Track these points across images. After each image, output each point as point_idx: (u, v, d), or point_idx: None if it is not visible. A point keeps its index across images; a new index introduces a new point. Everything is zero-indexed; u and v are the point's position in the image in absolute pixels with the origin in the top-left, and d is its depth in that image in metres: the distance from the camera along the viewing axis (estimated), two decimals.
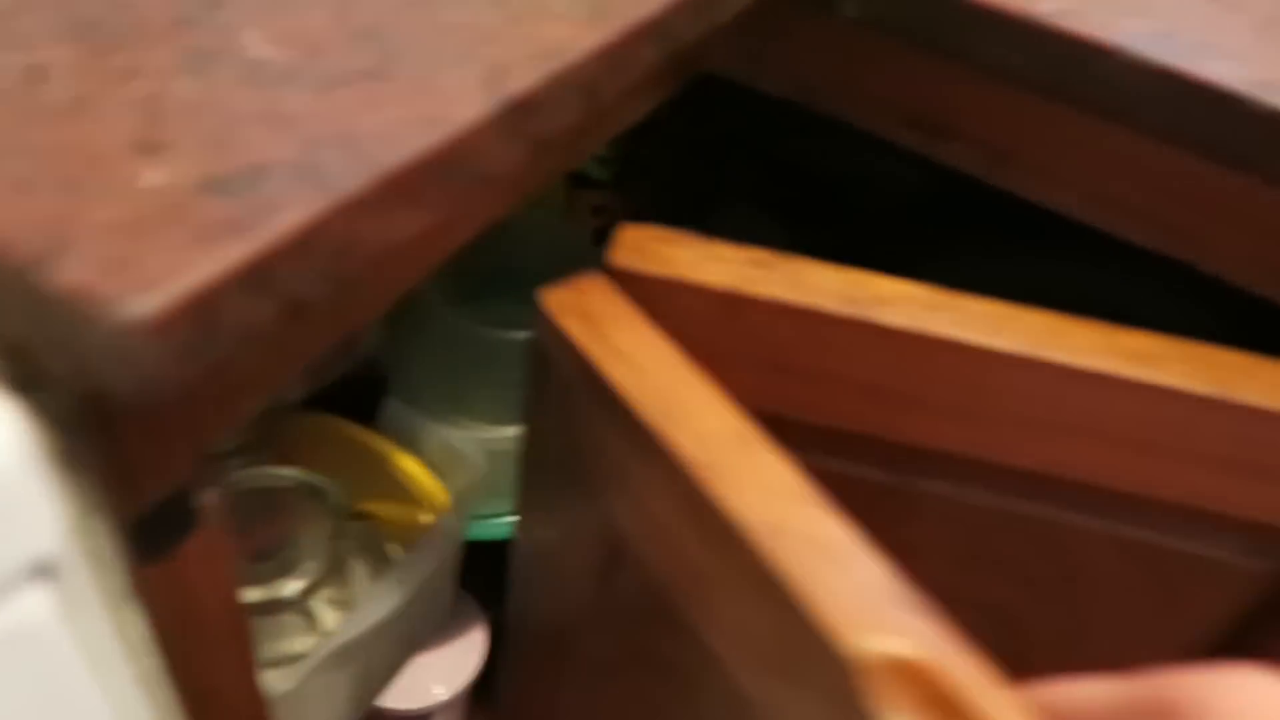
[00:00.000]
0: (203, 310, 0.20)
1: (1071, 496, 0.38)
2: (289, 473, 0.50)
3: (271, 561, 0.50)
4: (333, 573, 0.50)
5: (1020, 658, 0.44)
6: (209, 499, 0.29)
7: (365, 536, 0.56)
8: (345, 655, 0.49)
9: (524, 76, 0.26)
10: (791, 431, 0.37)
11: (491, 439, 0.56)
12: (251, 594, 0.47)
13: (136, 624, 0.30)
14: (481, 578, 0.75)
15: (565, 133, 0.29)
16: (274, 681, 0.46)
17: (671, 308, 0.34)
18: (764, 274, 0.34)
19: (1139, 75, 0.32)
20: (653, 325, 0.34)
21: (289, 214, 0.21)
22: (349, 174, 0.22)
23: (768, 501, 0.27)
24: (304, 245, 0.21)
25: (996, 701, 0.21)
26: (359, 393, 0.53)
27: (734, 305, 0.34)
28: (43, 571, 0.23)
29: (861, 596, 0.24)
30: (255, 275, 0.21)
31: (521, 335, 0.54)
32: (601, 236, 0.63)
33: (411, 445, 0.52)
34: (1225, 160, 0.32)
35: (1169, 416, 0.34)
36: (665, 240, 0.35)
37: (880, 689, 0.22)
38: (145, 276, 0.19)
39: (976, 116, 0.38)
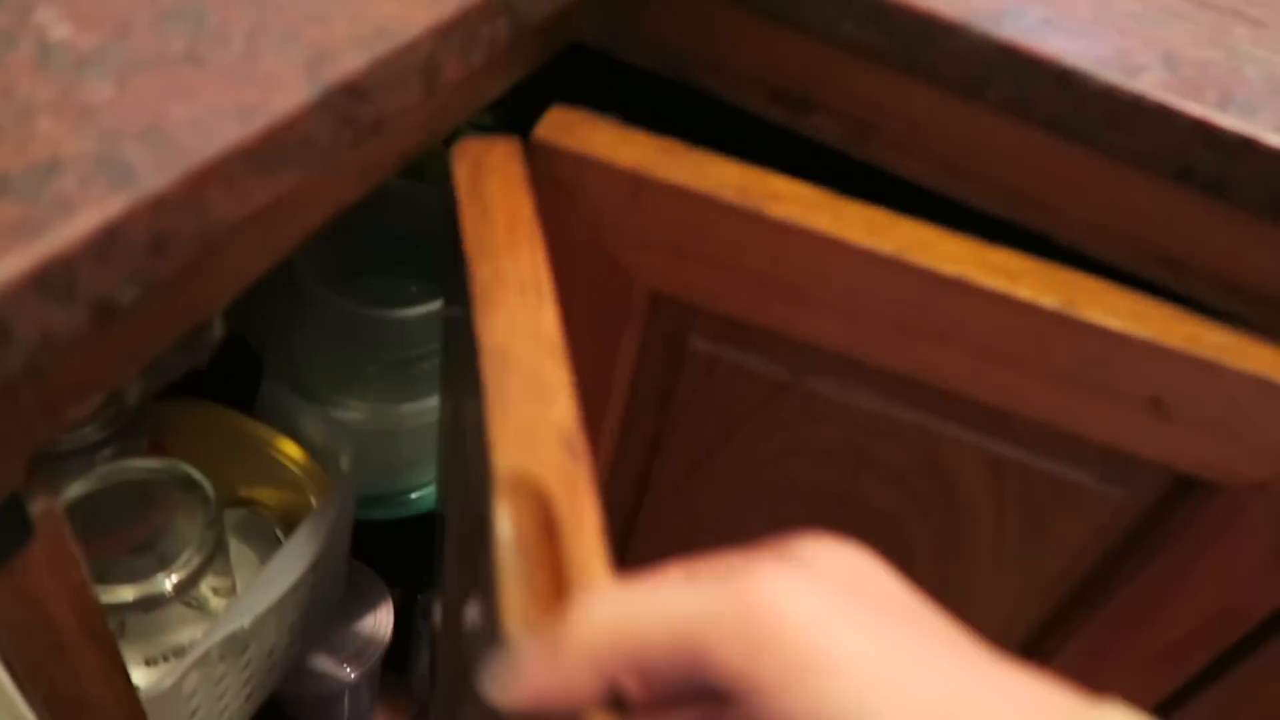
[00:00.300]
0: None
1: (945, 406, 0.40)
2: (159, 463, 0.48)
3: (148, 555, 0.48)
4: (214, 563, 0.48)
5: (908, 573, 0.46)
6: (47, 506, 0.27)
7: (251, 523, 0.54)
8: (233, 645, 0.48)
9: (352, 59, 0.25)
10: (695, 318, 0.41)
11: (378, 418, 0.55)
12: (127, 592, 0.45)
13: None
14: (388, 556, 0.74)
15: (407, 114, 0.28)
16: (156, 678, 0.45)
17: (583, 184, 0.37)
18: (670, 160, 0.36)
19: (985, 51, 0.33)
20: (525, 184, 0.35)
21: (86, 214, 0.20)
22: (155, 169, 0.21)
23: (512, 334, 0.29)
24: (105, 247, 0.20)
25: (588, 540, 0.23)
26: (236, 376, 0.51)
27: (638, 185, 0.36)
28: None
29: (536, 427, 0.26)
30: (49, 281, 0.20)
31: (403, 313, 0.52)
32: None
33: (290, 428, 0.51)
34: (1070, 134, 0.33)
35: (1021, 328, 0.36)
36: (589, 123, 0.37)
37: (505, 500, 0.24)
38: None
39: (836, 90, 0.38)
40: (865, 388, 0.41)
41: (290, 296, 0.52)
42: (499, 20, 0.30)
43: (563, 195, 0.37)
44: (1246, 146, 0.31)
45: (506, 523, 0.23)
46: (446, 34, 0.27)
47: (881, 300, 0.37)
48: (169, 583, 0.46)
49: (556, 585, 0.23)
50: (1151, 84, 0.32)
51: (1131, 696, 0.48)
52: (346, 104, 0.25)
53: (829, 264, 0.36)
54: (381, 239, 0.56)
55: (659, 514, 0.50)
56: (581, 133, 0.37)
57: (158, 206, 0.21)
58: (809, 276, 0.37)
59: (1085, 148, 0.33)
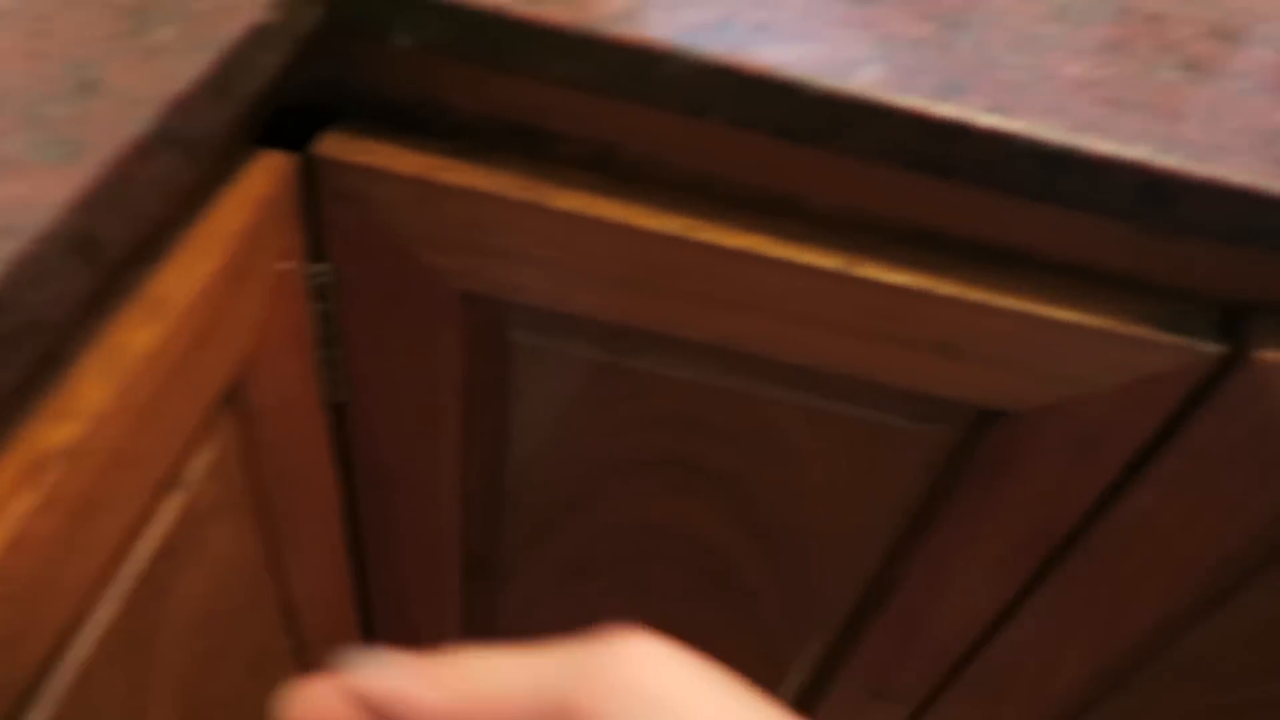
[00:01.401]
0: None
1: (756, 369, 0.42)
2: None
3: None
4: None
5: (756, 522, 0.48)
6: None
7: None
8: None
9: None
10: (508, 312, 0.41)
11: None
12: None
13: None
14: None
15: (72, 294, 0.24)
16: None
17: (372, 195, 0.37)
18: (453, 163, 0.37)
19: (698, 74, 0.31)
20: (262, 201, 0.34)
21: None
22: None
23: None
24: None
25: None
26: None
27: (425, 191, 0.37)
28: None
29: None
30: None
31: None
32: None
33: None
34: (799, 140, 0.33)
35: (810, 290, 0.37)
36: (369, 135, 0.37)
37: None
38: None
39: (573, 121, 0.36)
40: (681, 360, 0.42)
41: None
42: (164, 156, 0.26)
43: (353, 208, 0.37)
44: (962, 131, 0.31)
45: None
46: (94, 202, 0.24)
47: (676, 277, 0.38)
48: None
49: None
50: (868, 82, 0.31)
51: (973, 609, 0.52)
52: None
53: (619, 248, 0.37)
54: None
55: (522, 497, 0.50)
56: (362, 144, 0.37)
57: None
58: (602, 262, 0.38)
59: (819, 151, 0.33)
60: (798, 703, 0.62)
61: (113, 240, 0.25)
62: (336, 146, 0.36)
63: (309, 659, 0.56)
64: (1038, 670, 0.53)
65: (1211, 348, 0.36)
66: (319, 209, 0.38)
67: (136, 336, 0.29)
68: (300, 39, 0.32)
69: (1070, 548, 0.46)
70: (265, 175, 0.35)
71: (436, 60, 0.35)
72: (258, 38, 0.30)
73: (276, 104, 0.37)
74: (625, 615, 0.57)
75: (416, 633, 0.62)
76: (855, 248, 0.37)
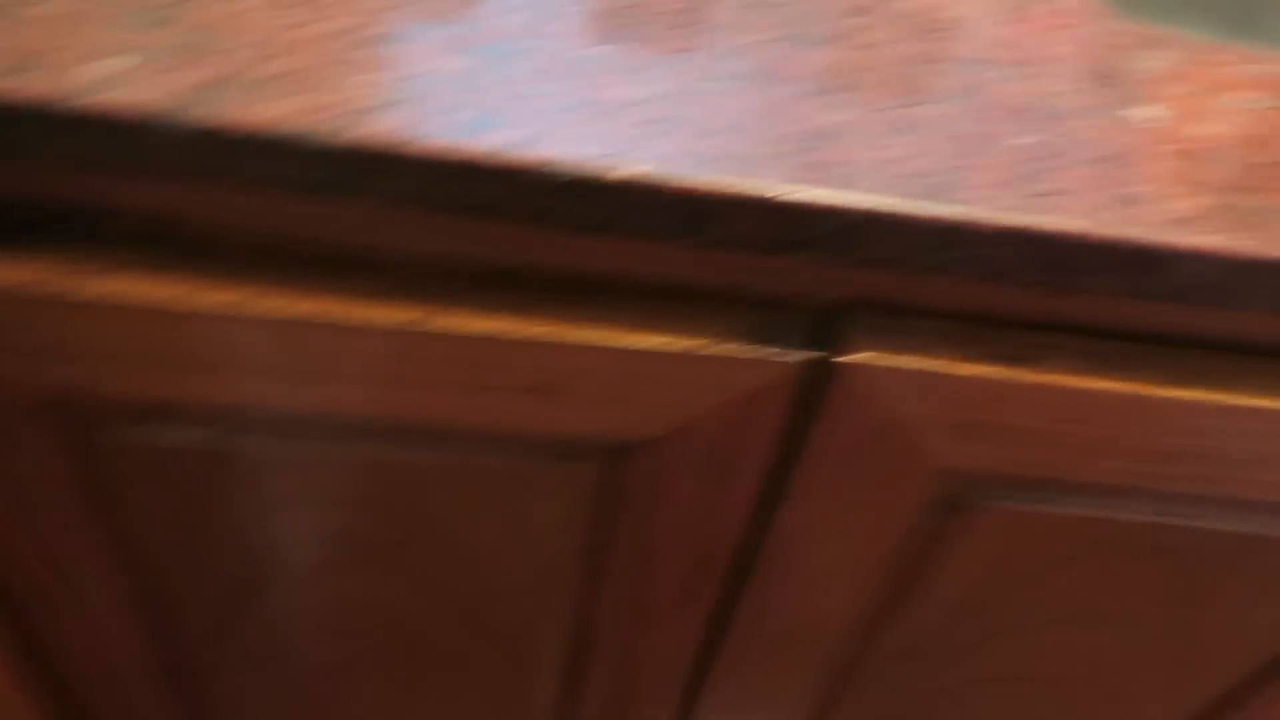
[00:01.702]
0: None
1: (378, 434, 0.39)
2: None
3: None
4: None
5: (434, 585, 0.45)
6: None
7: None
8: None
9: None
10: (93, 413, 0.37)
11: None
12: None
13: None
14: None
15: None
16: None
17: None
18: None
19: (193, 136, 0.29)
20: None
21: None
22: None
23: None
24: None
25: None
26: None
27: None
28: None
29: None
30: None
31: None
32: None
33: None
34: (326, 194, 0.31)
35: (395, 349, 0.36)
36: None
37: None
38: None
39: (118, 197, 0.33)
40: (298, 435, 0.39)
41: None
42: None
43: None
44: (486, 170, 0.30)
45: None
46: None
47: (254, 352, 0.35)
48: None
49: None
50: (387, 126, 0.30)
51: (675, 635, 0.51)
52: None
53: (176, 330, 0.34)
54: None
55: (189, 595, 0.46)
56: None
57: None
58: (164, 344, 0.35)
59: (342, 198, 0.31)
60: None
61: None
62: None
63: None
64: (762, 682, 0.53)
65: (800, 356, 0.36)
66: None
67: None
68: None
69: (749, 565, 0.45)
70: None
71: None
72: None
73: None
74: (340, 696, 0.53)
75: None
76: (433, 298, 0.35)
